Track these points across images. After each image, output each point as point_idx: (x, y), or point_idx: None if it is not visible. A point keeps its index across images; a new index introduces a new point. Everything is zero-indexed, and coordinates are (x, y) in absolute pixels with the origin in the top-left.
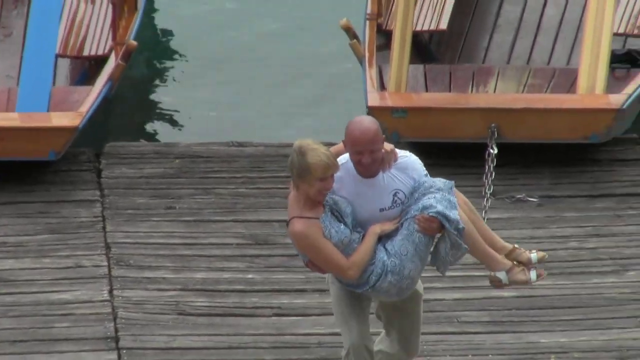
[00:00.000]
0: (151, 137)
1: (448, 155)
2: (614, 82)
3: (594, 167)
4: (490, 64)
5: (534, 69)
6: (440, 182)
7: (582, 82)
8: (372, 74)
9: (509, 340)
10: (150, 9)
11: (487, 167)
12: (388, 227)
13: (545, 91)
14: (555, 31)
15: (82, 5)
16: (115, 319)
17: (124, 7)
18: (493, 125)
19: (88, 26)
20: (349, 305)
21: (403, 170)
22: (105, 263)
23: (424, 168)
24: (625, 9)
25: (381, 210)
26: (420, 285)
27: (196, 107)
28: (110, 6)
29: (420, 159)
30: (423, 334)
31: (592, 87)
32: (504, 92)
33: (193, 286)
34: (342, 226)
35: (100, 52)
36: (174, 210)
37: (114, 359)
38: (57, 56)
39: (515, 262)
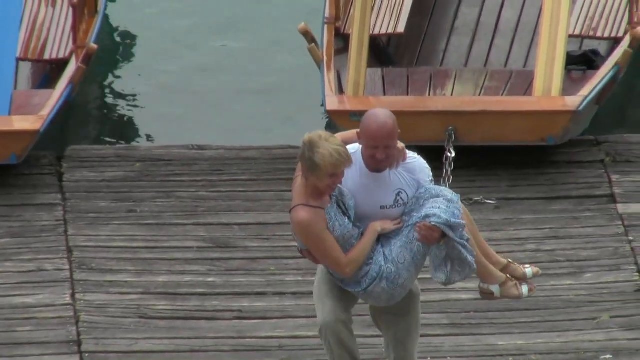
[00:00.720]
0: (112, 140)
1: (427, 153)
2: (570, 84)
3: (551, 169)
4: (448, 67)
5: (491, 71)
6: (448, 192)
7: (538, 85)
8: (330, 77)
9: (468, 342)
10: (110, 12)
11: (444, 170)
12: (388, 226)
13: (502, 93)
14: (512, 34)
15: (43, 8)
16: (77, 322)
17: (84, 11)
18: (450, 128)
19: (49, 29)
20: (327, 283)
21: (410, 171)
22: (67, 267)
23: (431, 174)
24: (581, 10)
25: (382, 207)
26: (416, 286)
27: (157, 110)
28: (71, 9)
29: None
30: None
31: (549, 90)
32: (462, 95)
33: (155, 289)
34: (347, 220)
35: (61, 56)
36: (135, 213)
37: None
38: (18, 60)
39: (508, 277)
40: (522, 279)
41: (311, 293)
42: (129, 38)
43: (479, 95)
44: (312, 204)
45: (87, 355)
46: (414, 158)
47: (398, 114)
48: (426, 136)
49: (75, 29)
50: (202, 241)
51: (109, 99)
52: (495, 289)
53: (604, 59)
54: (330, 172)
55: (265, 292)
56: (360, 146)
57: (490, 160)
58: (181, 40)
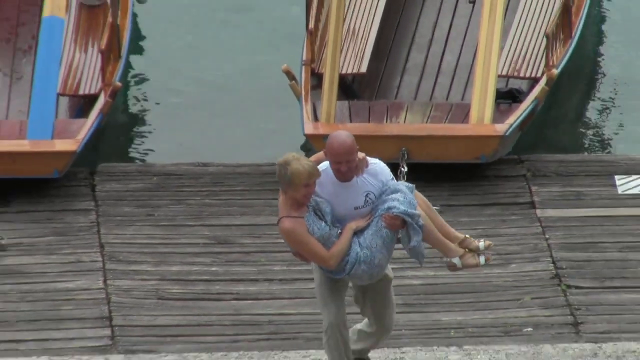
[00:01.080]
0: (134, 158)
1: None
2: (499, 115)
3: (483, 182)
4: (401, 100)
5: (435, 104)
6: (403, 185)
7: (473, 114)
8: (307, 108)
9: (418, 318)
10: (132, 56)
11: (400, 180)
12: (362, 223)
13: (445, 121)
14: (452, 73)
15: (77, 53)
16: (108, 302)
17: (111, 55)
18: (403, 149)
19: (82, 70)
20: (329, 289)
21: (373, 175)
22: (100, 259)
23: (390, 173)
24: (507, 54)
25: (355, 208)
26: (390, 271)
27: (170, 134)
28: (100, 55)
29: None
30: (348, 313)
31: (482, 118)
32: (412, 123)
33: (170, 277)
34: (323, 224)
35: (92, 92)
36: (154, 217)
37: (108, 334)
38: (59, 95)
39: (466, 250)
40: (476, 250)
41: (295, 279)
42: (146, 76)
43: (426, 122)
44: (293, 214)
45: (117, 328)
46: (375, 163)
47: (362, 137)
48: (384, 155)
49: (103, 70)
50: (206, 239)
51: (132, 125)
52: (456, 261)
53: (526, 94)
54: (304, 183)
55: (257, 279)
56: (328, 162)
57: (435, 174)
58: (188, 77)
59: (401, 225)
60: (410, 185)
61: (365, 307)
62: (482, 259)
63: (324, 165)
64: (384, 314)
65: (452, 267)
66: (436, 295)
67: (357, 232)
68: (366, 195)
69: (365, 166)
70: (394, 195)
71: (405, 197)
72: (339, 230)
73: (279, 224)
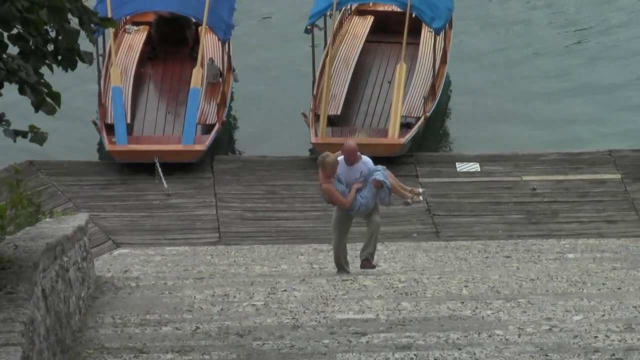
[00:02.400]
0: (233, 152)
1: None
2: (401, 134)
3: (395, 165)
4: (356, 126)
5: (372, 128)
6: (380, 167)
7: (390, 133)
8: (312, 131)
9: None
10: (230, 104)
11: None
12: (360, 185)
13: (377, 136)
14: (380, 115)
15: (206, 104)
16: (218, 220)
17: (221, 105)
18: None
19: (208, 112)
20: (339, 224)
21: (364, 163)
22: (214, 201)
23: (371, 161)
24: (405, 105)
25: (355, 179)
26: (378, 214)
27: (250, 141)
28: (217, 105)
29: None
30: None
31: (394, 135)
32: (365, 137)
33: (247, 210)
34: (341, 185)
35: (212, 122)
36: (239, 181)
37: (217, 235)
38: (197, 124)
39: (413, 194)
40: (418, 194)
41: (305, 210)
42: (237, 116)
43: (369, 137)
44: (327, 181)
45: (222, 232)
46: (365, 156)
47: (338, 144)
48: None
49: (218, 112)
50: (264, 192)
51: (231, 137)
52: (409, 201)
53: (414, 125)
54: (331, 167)
55: (288, 209)
56: (343, 156)
57: (373, 161)
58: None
59: (380, 185)
60: (383, 167)
61: (366, 228)
62: (421, 198)
63: (340, 157)
64: (371, 237)
65: (406, 204)
66: (387, 232)
67: (358, 190)
68: (360, 173)
69: (360, 159)
70: (376, 172)
71: (382, 173)
72: (348, 189)
73: (320, 186)
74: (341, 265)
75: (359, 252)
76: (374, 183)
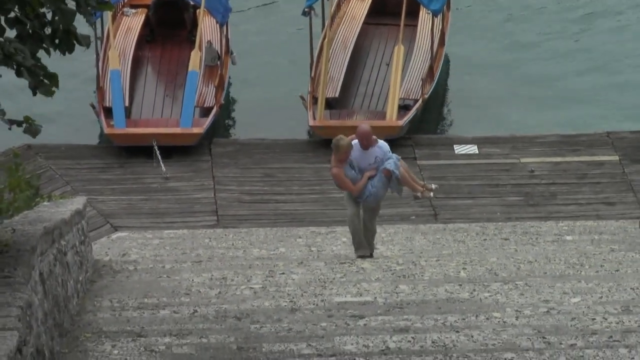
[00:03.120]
0: (229, 136)
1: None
2: (399, 116)
3: (394, 146)
4: (354, 109)
5: (370, 110)
6: (394, 155)
7: (388, 115)
8: (310, 113)
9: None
10: (229, 87)
11: None
12: (373, 173)
13: (375, 119)
14: (378, 96)
15: (204, 87)
16: (216, 203)
17: (219, 88)
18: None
19: (206, 95)
20: (349, 199)
21: (380, 147)
22: (212, 183)
23: (388, 146)
24: (403, 87)
25: (369, 164)
26: (375, 219)
27: (247, 126)
28: (214, 87)
29: (326, 144)
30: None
31: (392, 117)
32: (363, 120)
33: (244, 193)
34: (354, 172)
35: (210, 105)
36: (237, 164)
37: (215, 219)
38: (195, 106)
39: (425, 188)
40: (430, 189)
41: (309, 192)
42: (235, 99)
43: (367, 119)
44: (338, 166)
45: (220, 215)
46: (380, 141)
47: (335, 127)
48: (347, 135)
49: (216, 95)
50: (262, 174)
51: (229, 121)
52: (418, 194)
53: (412, 107)
54: (344, 151)
55: (285, 192)
56: (357, 139)
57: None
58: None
59: (389, 174)
60: (398, 156)
61: (365, 215)
62: (432, 194)
63: (355, 140)
64: (369, 225)
65: (416, 198)
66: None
67: (370, 178)
68: (375, 158)
69: (375, 143)
70: (389, 161)
71: (393, 162)
72: (360, 175)
73: (331, 170)
74: (360, 238)
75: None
76: (384, 172)
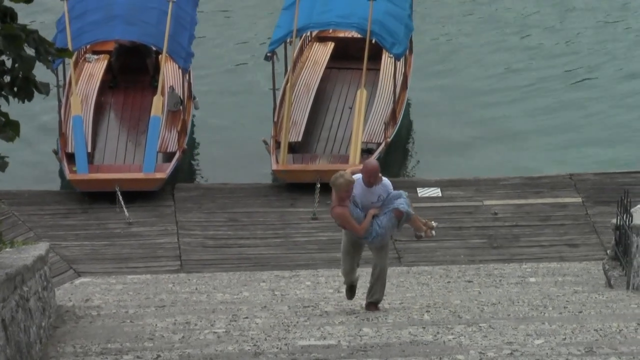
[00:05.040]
0: (192, 181)
1: (309, 187)
2: (362, 160)
3: None
4: (317, 153)
5: (334, 155)
6: (402, 194)
7: (351, 159)
8: (273, 158)
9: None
10: (192, 134)
11: (316, 193)
12: (378, 212)
13: (339, 162)
14: (341, 141)
15: (167, 132)
16: (179, 248)
17: (182, 133)
18: (318, 177)
19: (169, 140)
20: (348, 248)
21: (384, 186)
22: (175, 228)
23: (391, 185)
24: (366, 131)
25: (372, 203)
26: (387, 255)
27: (209, 170)
28: (177, 133)
29: (289, 188)
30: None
31: (354, 161)
32: (326, 164)
33: (209, 237)
34: (358, 210)
35: (173, 150)
36: (201, 208)
37: (178, 263)
38: (157, 152)
39: (427, 228)
40: (432, 227)
41: (273, 237)
42: (197, 143)
43: (330, 163)
44: (341, 204)
45: (183, 260)
46: (385, 179)
47: (297, 171)
48: (309, 179)
49: (179, 140)
50: (226, 219)
51: (191, 166)
52: (422, 234)
53: (375, 150)
54: (345, 189)
55: (250, 237)
56: (361, 175)
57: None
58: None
59: (402, 216)
60: (406, 192)
61: (374, 257)
62: (434, 232)
63: (358, 176)
64: (383, 261)
65: (419, 237)
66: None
67: (375, 217)
68: (379, 196)
69: (380, 181)
70: (400, 200)
71: (405, 201)
72: (364, 214)
73: (332, 209)
74: (353, 293)
75: (365, 293)
76: (395, 213)
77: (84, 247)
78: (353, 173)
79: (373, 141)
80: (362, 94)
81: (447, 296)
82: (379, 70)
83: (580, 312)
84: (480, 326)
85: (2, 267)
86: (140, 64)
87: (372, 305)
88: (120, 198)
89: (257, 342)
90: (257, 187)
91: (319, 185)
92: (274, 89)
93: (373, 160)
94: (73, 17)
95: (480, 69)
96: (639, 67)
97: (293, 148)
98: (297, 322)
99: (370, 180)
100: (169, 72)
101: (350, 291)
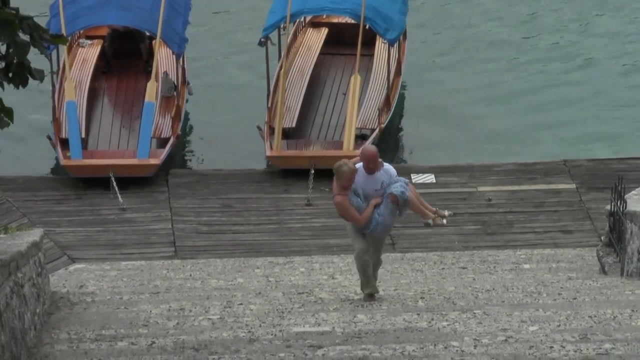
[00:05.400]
0: (186, 167)
1: (303, 173)
2: (356, 146)
3: None
4: (311, 139)
5: (327, 141)
6: (402, 179)
7: (345, 145)
8: (267, 144)
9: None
10: (185, 119)
11: (310, 179)
12: (379, 200)
13: (332, 149)
14: (335, 127)
15: (161, 118)
16: (173, 235)
17: (176, 119)
18: (312, 163)
19: (163, 126)
20: (356, 232)
21: (386, 171)
22: (169, 214)
23: (394, 170)
24: (360, 117)
25: (375, 190)
26: (385, 240)
27: (207, 156)
28: (171, 118)
29: (283, 174)
30: None
31: (349, 147)
32: (320, 150)
33: (202, 223)
34: (359, 199)
35: (167, 136)
36: (194, 194)
37: (173, 249)
38: (152, 138)
39: (437, 215)
40: (442, 216)
41: (267, 223)
42: (192, 129)
43: (324, 149)
44: (342, 193)
45: (177, 247)
46: (386, 164)
47: (292, 157)
48: (303, 165)
49: (173, 126)
50: (219, 205)
51: (185, 151)
52: (430, 221)
53: (369, 136)
54: (347, 177)
55: (244, 222)
56: (362, 163)
57: (328, 174)
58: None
59: (396, 200)
60: (406, 180)
61: (373, 248)
62: (445, 221)
63: (359, 164)
64: (380, 249)
65: (427, 225)
66: (342, 245)
67: (376, 206)
68: (381, 183)
69: (381, 166)
70: (394, 185)
71: (400, 185)
72: (365, 204)
73: (334, 198)
74: (369, 275)
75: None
76: (390, 197)
77: (78, 233)
78: (354, 163)
79: (367, 127)
80: (356, 80)
81: (442, 283)
82: (372, 56)
83: (575, 298)
84: (474, 313)
85: None
86: (133, 49)
87: (370, 297)
88: (114, 184)
89: (251, 328)
90: (251, 173)
91: (312, 171)
92: (267, 75)
93: (370, 145)
94: (67, 3)
95: (477, 56)
96: (634, 56)
97: (287, 134)
98: (292, 309)
99: (370, 166)
100: (163, 58)
101: (365, 277)
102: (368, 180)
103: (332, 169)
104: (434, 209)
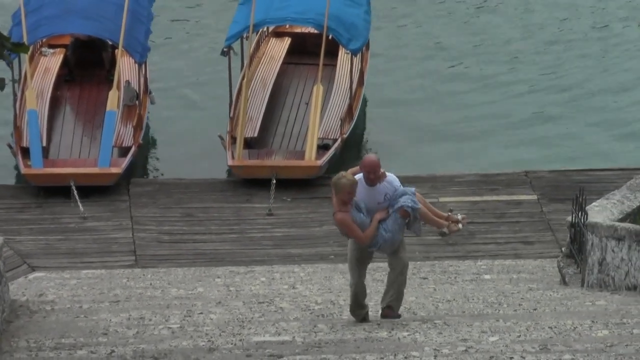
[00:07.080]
0: (148, 176)
1: (265, 183)
2: (318, 156)
3: (312, 186)
4: (272, 148)
5: (288, 150)
6: (409, 190)
7: (307, 156)
8: (229, 154)
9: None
10: (147, 127)
11: (271, 189)
12: (384, 215)
13: (294, 159)
14: (297, 137)
15: (122, 127)
16: (134, 243)
17: (138, 128)
18: (274, 173)
19: (124, 135)
20: (356, 260)
21: (389, 182)
22: (130, 223)
23: (398, 181)
24: (322, 127)
25: (378, 203)
26: (405, 250)
27: (167, 164)
28: (133, 127)
29: (244, 183)
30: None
31: (310, 158)
32: (282, 159)
33: (163, 233)
34: (362, 215)
35: (129, 145)
36: (156, 203)
37: (133, 258)
38: (113, 147)
39: (450, 221)
40: (457, 221)
41: (222, 233)
42: (154, 138)
43: (285, 159)
44: (343, 209)
45: (138, 255)
46: (390, 175)
47: (253, 167)
48: (265, 175)
49: (135, 135)
50: (181, 214)
51: (146, 161)
52: (445, 230)
53: (331, 146)
54: (347, 191)
55: (205, 232)
56: (362, 174)
57: (289, 183)
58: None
59: (407, 215)
60: (413, 189)
61: (389, 267)
62: (460, 225)
63: (359, 175)
64: (396, 265)
65: (442, 234)
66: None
67: (381, 221)
68: (384, 195)
69: (384, 177)
70: (403, 197)
71: (410, 198)
72: (369, 219)
73: (334, 215)
74: (361, 306)
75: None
76: (401, 212)
77: (39, 241)
78: (353, 173)
79: (329, 137)
80: (318, 90)
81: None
82: (335, 66)
83: (535, 309)
84: (435, 323)
85: None
86: (96, 58)
87: (389, 310)
88: (75, 193)
89: (211, 337)
90: (213, 183)
91: (274, 181)
92: (230, 84)
93: (372, 154)
94: (29, 11)
95: (437, 68)
96: (598, 64)
97: (249, 143)
98: (252, 318)
99: (371, 177)
100: (125, 67)
101: (357, 307)
102: (370, 193)
103: (293, 179)
104: (446, 214)
